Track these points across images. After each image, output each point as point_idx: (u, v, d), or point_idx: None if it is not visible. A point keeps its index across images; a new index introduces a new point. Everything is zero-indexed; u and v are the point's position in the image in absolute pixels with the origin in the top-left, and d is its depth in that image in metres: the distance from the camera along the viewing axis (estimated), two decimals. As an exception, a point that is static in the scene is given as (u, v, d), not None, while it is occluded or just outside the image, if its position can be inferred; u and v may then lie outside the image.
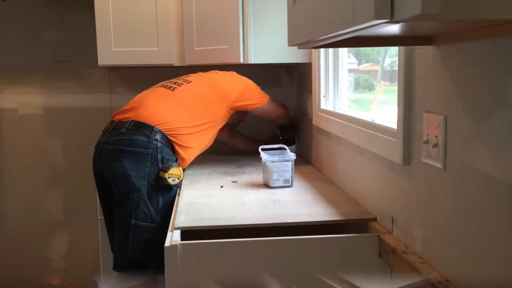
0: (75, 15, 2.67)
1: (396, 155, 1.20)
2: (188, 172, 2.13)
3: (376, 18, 0.57)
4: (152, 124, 1.84)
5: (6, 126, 2.74)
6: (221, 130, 2.18)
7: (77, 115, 2.74)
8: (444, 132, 0.98)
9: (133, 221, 1.72)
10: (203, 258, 1.29)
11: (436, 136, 1.01)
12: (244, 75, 2.38)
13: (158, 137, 1.81)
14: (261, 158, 1.85)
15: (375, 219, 1.41)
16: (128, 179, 1.74)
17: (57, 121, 2.75)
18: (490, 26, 0.76)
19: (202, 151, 2.08)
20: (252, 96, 2.12)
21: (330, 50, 1.98)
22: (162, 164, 1.79)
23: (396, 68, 1.22)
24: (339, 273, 1.31)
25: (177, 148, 1.89)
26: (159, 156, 1.79)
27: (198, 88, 2.03)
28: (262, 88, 2.19)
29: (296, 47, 1.07)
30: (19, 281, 2.81)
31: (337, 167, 1.82)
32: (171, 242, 1.29)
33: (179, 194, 1.77)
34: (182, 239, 1.32)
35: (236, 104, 2.07)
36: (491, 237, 0.85)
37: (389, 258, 1.23)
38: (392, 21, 0.57)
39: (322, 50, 1.99)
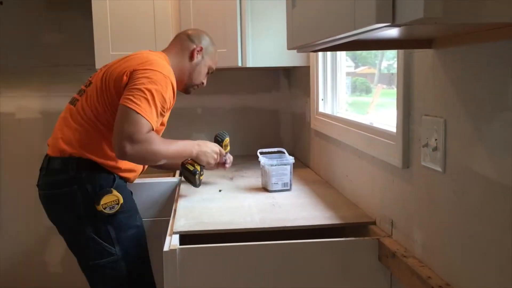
0: (73, 18, 2.67)
1: (396, 159, 1.20)
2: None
3: (378, 22, 0.57)
4: (66, 154, 1.61)
5: (3, 130, 2.72)
6: None
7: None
8: (444, 135, 0.98)
9: (91, 262, 1.62)
10: (202, 262, 1.29)
11: (436, 140, 1.00)
12: (243, 79, 2.40)
13: (75, 167, 1.60)
14: (259, 162, 1.85)
15: (374, 223, 1.41)
16: (66, 224, 1.64)
17: (55, 124, 2.74)
18: (490, 29, 0.76)
19: None
20: (136, 82, 1.58)
21: (328, 53, 1.98)
22: (95, 193, 1.58)
23: (393, 71, 1.22)
24: (339, 277, 1.31)
25: (107, 162, 1.64)
26: (89, 188, 1.59)
27: (94, 86, 1.69)
28: (260, 91, 2.18)
29: (294, 50, 1.07)
30: (17, 284, 2.79)
31: (336, 170, 1.82)
32: (170, 246, 1.28)
33: (177, 199, 1.75)
34: (180, 244, 1.32)
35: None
36: (491, 241, 0.85)
37: (389, 262, 1.23)
38: (394, 24, 0.57)
39: (320, 53, 1.99)
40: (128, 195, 1.70)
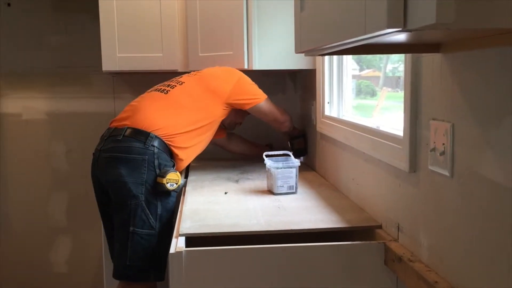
0: (80, 20, 2.68)
1: (402, 162, 1.20)
2: (192, 178, 2.13)
3: (389, 27, 0.57)
4: (148, 130, 1.82)
5: (10, 130, 2.74)
6: (219, 134, 2.17)
7: (81, 120, 2.75)
8: (452, 139, 0.98)
9: (131, 228, 1.71)
10: (208, 265, 1.29)
11: (443, 144, 1.00)
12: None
13: (155, 143, 1.80)
14: (265, 164, 1.85)
15: (380, 227, 1.40)
16: (125, 186, 1.73)
17: (61, 126, 2.76)
18: (499, 34, 0.76)
19: (201, 151, 2.05)
20: (247, 92, 2.07)
21: (335, 56, 1.98)
22: (160, 170, 1.77)
23: (398, 74, 1.22)
24: (345, 281, 1.31)
25: (175, 150, 1.88)
26: (156, 162, 1.77)
27: (190, 87, 2.01)
28: (266, 94, 2.18)
29: (300, 53, 1.07)
30: (22, 285, 2.80)
31: (342, 173, 1.82)
32: (176, 248, 1.29)
33: (183, 201, 1.76)
34: (186, 246, 1.32)
35: (230, 101, 2.02)
36: (499, 245, 0.85)
37: (395, 266, 1.22)
38: (405, 30, 0.57)
39: (326, 56, 1.99)
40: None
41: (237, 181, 2.06)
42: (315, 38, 0.91)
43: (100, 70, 2.35)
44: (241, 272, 1.29)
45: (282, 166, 1.79)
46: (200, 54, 2.34)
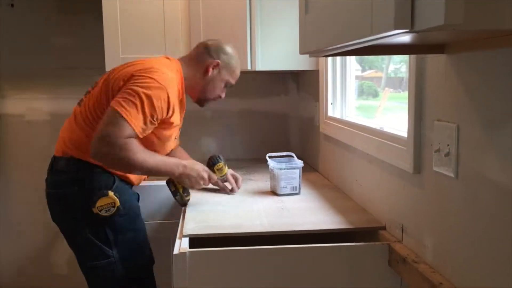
0: (84, 22, 2.68)
1: (407, 164, 1.20)
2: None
3: (396, 28, 0.57)
4: (70, 154, 1.63)
5: (13, 131, 2.74)
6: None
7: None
8: (457, 141, 0.98)
9: (88, 263, 1.63)
10: (211, 265, 1.29)
11: (448, 145, 1.00)
12: (252, 82, 2.39)
13: (76, 168, 1.61)
14: (268, 165, 1.85)
15: (384, 228, 1.40)
16: (66, 224, 1.65)
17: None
18: (505, 36, 0.75)
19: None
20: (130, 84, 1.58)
21: (338, 57, 1.98)
22: (92, 196, 1.58)
23: (400, 75, 1.22)
24: (348, 282, 1.31)
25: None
26: (88, 189, 1.58)
27: (97, 87, 1.70)
28: (269, 94, 2.17)
29: (305, 54, 1.07)
30: (22, 286, 2.80)
31: (345, 174, 1.81)
32: (179, 249, 1.29)
33: (188, 205, 1.75)
34: (189, 247, 1.32)
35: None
36: (503, 246, 0.85)
37: (399, 267, 1.22)
38: (412, 31, 0.57)
39: (329, 57, 1.99)
40: (129, 198, 1.67)
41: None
42: (321, 40, 0.91)
43: (104, 71, 2.34)
44: (245, 273, 1.29)
45: (285, 167, 1.79)
46: (203, 55, 2.34)
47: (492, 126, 0.87)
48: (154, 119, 1.57)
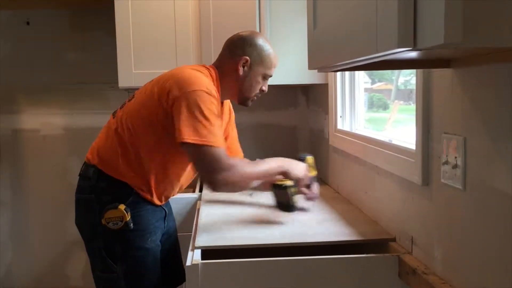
0: (97, 37, 2.75)
1: (415, 176, 1.21)
2: (206, 191, 2.15)
3: (400, 46, 0.59)
4: (92, 162, 1.61)
5: (29, 146, 2.80)
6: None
7: (98, 135, 2.79)
8: (464, 153, 0.99)
9: (95, 272, 1.62)
10: (224, 277, 1.30)
11: (456, 157, 1.02)
12: (262, 96, 2.39)
13: (97, 176, 1.59)
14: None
15: (394, 239, 1.41)
16: (83, 229, 1.65)
17: (78, 141, 2.80)
18: (508, 51, 0.77)
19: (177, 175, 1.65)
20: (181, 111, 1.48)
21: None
22: (103, 207, 1.55)
23: (410, 87, 1.24)
24: (359, 293, 1.31)
25: (123, 179, 1.58)
26: (104, 199, 1.56)
27: (137, 100, 1.63)
28: (279, 108, 2.17)
29: (313, 70, 1.09)
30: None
31: (354, 187, 1.83)
32: (192, 261, 1.31)
33: (198, 214, 1.78)
34: (202, 258, 1.34)
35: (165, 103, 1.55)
36: (513, 258, 0.86)
37: (409, 279, 1.23)
38: (415, 49, 0.59)
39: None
40: (144, 214, 1.59)
41: (250, 194, 2.08)
42: (328, 56, 0.93)
43: (117, 86, 2.40)
44: (257, 284, 1.31)
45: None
46: (214, 70, 2.38)
47: (499, 138, 0.88)
48: (218, 119, 1.51)
